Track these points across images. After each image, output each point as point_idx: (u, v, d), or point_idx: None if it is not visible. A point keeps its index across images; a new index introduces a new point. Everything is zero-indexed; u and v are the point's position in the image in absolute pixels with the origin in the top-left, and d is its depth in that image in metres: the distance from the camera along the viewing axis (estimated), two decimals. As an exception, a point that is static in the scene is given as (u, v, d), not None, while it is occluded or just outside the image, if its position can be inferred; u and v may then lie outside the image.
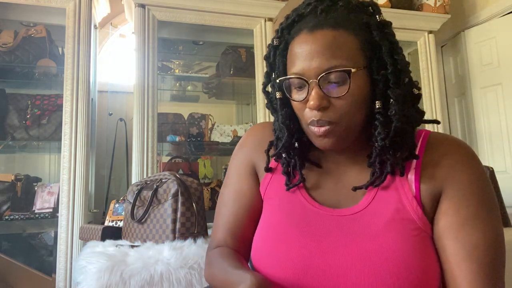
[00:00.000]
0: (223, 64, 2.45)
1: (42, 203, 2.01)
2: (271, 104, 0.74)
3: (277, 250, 0.66)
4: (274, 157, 0.74)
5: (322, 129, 0.62)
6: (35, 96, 2.14)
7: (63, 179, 1.90)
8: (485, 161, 2.64)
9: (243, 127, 2.47)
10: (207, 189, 2.19)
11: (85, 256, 1.05)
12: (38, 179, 2.15)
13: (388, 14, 2.54)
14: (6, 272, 1.73)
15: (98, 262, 0.99)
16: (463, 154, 0.65)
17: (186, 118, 2.43)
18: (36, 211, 1.99)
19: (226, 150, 2.43)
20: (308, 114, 0.63)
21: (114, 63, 2.82)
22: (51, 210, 1.99)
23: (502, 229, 0.63)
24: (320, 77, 0.60)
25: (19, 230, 2.08)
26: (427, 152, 0.66)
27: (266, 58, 0.71)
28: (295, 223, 0.67)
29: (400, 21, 2.57)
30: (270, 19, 2.35)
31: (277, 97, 0.69)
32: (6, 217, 1.94)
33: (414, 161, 0.65)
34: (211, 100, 2.66)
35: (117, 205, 1.80)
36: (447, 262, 0.60)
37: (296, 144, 0.71)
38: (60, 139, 1.95)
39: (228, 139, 2.38)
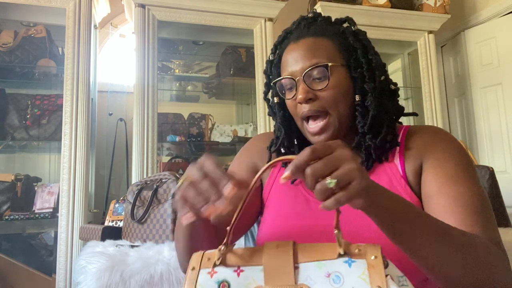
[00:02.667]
0: (223, 64, 2.45)
1: (42, 203, 2.01)
2: (271, 110, 0.84)
3: (283, 239, 0.70)
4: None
5: (318, 126, 0.72)
6: (35, 96, 2.14)
7: (63, 179, 1.90)
8: (485, 161, 2.64)
9: (243, 127, 2.47)
10: (207, 189, 2.19)
11: (85, 256, 1.05)
12: (38, 179, 2.15)
13: (388, 14, 2.54)
14: (6, 272, 1.73)
15: (98, 262, 0.99)
16: (436, 132, 0.76)
17: (186, 118, 2.43)
18: (36, 211, 1.99)
19: (226, 150, 2.43)
20: (299, 109, 0.74)
21: (114, 63, 2.82)
22: (51, 210, 1.99)
23: (482, 188, 0.68)
24: (304, 74, 0.71)
25: (19, 230, 2.08)
26: (407, 139, 0.75)
27: (265, 72, 0.84)
28: (300, 213, 0.74)
29: (400, 21, 2.57)
30: (270, 19, 2.35)
31: (275, 101, 0.81)
32: (6, 217, 1.94)
33: (398, 147, 0.74)
34: (211, 100, 2.66)
35: (117, 205, 1.80)
36: (440, 217, 0.61)
37: (296, 141, 0.80)
38: (60, 139, 1.95)
39: (228, 139, 2.38)
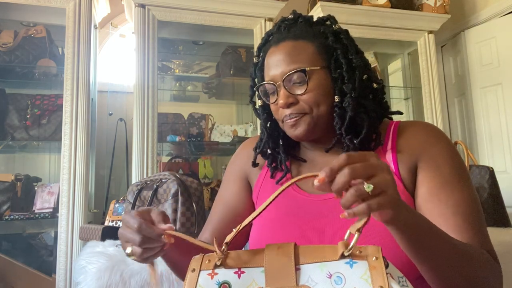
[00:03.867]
0: (223, 64, 2.45)
1: (42, 203, 2.01)
2: (256, 112, 0.87)
3: (276, 238, 0.73)
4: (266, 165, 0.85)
5: (293, 119, 0.74)
6: (35, 96, 2.13)
7: (63, 179, 1.90)
8: (485, 161, 2.64)
9: (243, 127, 2.47)
10: (207, 189, 2.19)
11: (85, 256, 1.05)
12: (38, 179, 2.15)
13: (388, 14, 2.53)
14: (6, 272, 1.73)
15: (98, 262, 0.99)
16: (431, 131, 0.76)
17: (186, 118, 2.42)
18: (36, 211, 1.99)
19: (226, 150, 2.43)
20: (281, 112, 0.76)
21: (114, 63, 2.82)
22: (51, 210, 1.99)
23: (475, 191, 0.71)
24: (284, 79, 0.73)
25: (19, 230, 2.08)
26: (399, 135, 0.75)
27: (250, 74, 0.86)
28: (291, 212, 0.76)
29: (400, 21, 2.57)
30: (270, 19, 2.35)
31: (259, 104, 0.84)
32: (6, 217, 1.94)
33: (390, 144, 0.75)
34: (211, 100, 2.66)
35: (117, 205, 1.80)
36: (434, 223, 0.62)
37: (281, 142, 0.82)
38: (60, 139, 1.95)
39: (228, 139, 2.38)
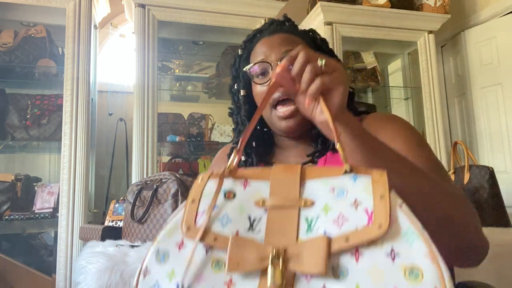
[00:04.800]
0: (223, 64, 2.45)
1: (42, 203, 2.01)
2: (235, 104, 0.85)
3: None
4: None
5: (287, 109, 0.73)
6: (35, 96, 2.13)
7: (63, 179, 1.90)
8: (485, 161, 2.64)
9: (243, 127, 2.47)
10: (207, 189, 2.19)
11: (85, 256, 1.05)
12: (38, 179, 2.15)
13: (388, 14, 2.54)
14: (6, 272, 1.73)
15: (98, 262, 0.99)
16: (385, 115, 0.80)
17: (186, 118, 2.42)
18: (36, 211, 1.99)
19: (226, 150, 2.43)
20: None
21: (114, 63, 2.82)
22: (51, 210, 1.99)
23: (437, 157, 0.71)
24: (281, 59, 0.72)
25: (19, 230, 2.08)
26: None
27: (232, 65, 0.86)
28: None
29: (400, 21, 2.57)
30: (270, 19, 2.35)
31: (242, 94, 0.82)
32: (6, 217, 1.94)
33: None
34: (211, 100, 2.66)
35: (117, 205, 1.80)
36: None
37: (254, 144, 0.81)
38: (60, 139, 1.95)
39: (228, 139, 2.38)
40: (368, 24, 2.48)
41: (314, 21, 2.58)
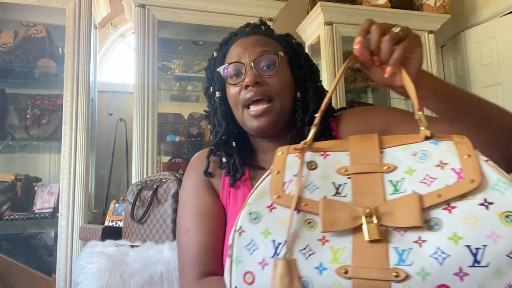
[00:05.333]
0: (223, 64, 2.45)
1: (42, 203, 2.01)
2: (211, 106, 0.85)
3: None
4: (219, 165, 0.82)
5: (260, 108, 0.73)
6: (35, 96, 2.13)
7: (63, 179, 1.90)
8: (485, 161, 2.64)
9: (243, 127, 2.47)
10: (207, 189, 2.19)
11: (85, 256, 1.05)
12: (38, 179, 2.15)
13: (388, 14, 2.54)
14: (6, 272, 1.73)
15: (98, 262, 0.99)
16: (364, 110, 0.84)
17: (186, 118, 2.42)
18: (36, 211, 1.99)
19: (226, 150, 2.42)
20: (243, 94, 0.74)
21: (114, 63, 2.82)
22: (51, 210, 1.98)
23: None
24: (255, 59, 0.74)
25: (19, 230, 2.08)
26: (338, 124, 0.81)
27: (207, 68, 0.86)
28: None
29: (400, 21, 2.52)
30: (270, 19, 2.35)
31: (217, 96, 0.82)
32: (6, 217, 1.94)
33: (336, 130, 0.81)
34: (211, 100, 2.66)
35: (117, 205, 1.80)
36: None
37: (234, 144, 0.80)
38: (60, 139, 1.95)
39: (228, 139, 2.38)
40: (368, 24, 2.48)
41: (314, 21, 2.58)
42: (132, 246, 1.11)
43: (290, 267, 0.45)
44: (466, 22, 2.86)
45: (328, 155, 0.55)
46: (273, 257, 0.48)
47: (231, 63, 0.77)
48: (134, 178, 2.00)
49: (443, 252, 0.42)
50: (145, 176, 1.97)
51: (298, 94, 0.78)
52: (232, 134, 0.81)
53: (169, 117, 2.37)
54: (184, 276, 0.75)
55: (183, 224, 0.79)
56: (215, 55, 0.85)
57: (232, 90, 0.77)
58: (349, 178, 0.52)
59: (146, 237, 1.19)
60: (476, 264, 0.40)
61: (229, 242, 0.52)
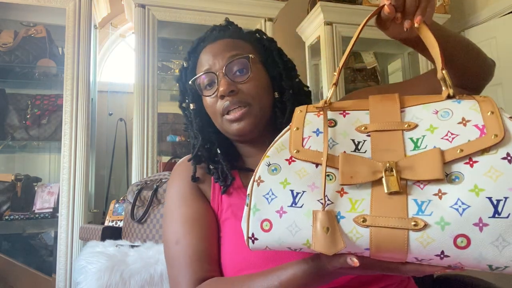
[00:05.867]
0: (223, 64, 2.45)
1: (42, 203, 2.01)
2: (187, 119, 0.82)
3: (253, 256, 0.67)
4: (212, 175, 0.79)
5: (238, 112, 0.71)
6: (35, 96, 2.13)
7: (63, 179, 1.90)
8: (485, 161, 2.64)
9: (243, 127, 2.46)
10: (207, 189, 2.19)
11: (85, 256, 1.05)
12: (38, 179, 2.15)
13: (388, 14, 2.53)
14: (6, 272, 1.73)
15: (98, 262, 0.99)
16: (355, 91, 0.82)
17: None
18: (36, 211, 1.99)
19: (226, 150, 2.42)
20: (220, 104, 0.72)
21: (114, 63, 2.82)
22: (51, 210, 1.98)
23: None
24: (225, 66, 0.71)
25: (19, 230, 2.07)
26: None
27: (178, 79, 0.82)
28: None
29: (400, 21, 2.56)
30: (270, 19, 2.35)
31: (192, 108, 0.79)
32: (6, 217, 1.94)
33: None
34: (211, 100, 2.66)
35: (117, 205, 1.80)
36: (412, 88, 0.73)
37: (218, 150, 0.78)
38: (60, 139, 1.95)
39: (228, 139, 2.38)
40: (368, 24, 2.47)
41: (314, 21, 2.58)
42: (132, 246, 1.11)
43: (331, 217, 0.46)
44: (466, 22, 2.86)
45: (348, 113, 0.55)
46: (291, 206, 0.49)
47: (202, 74, 0.74)
48: (134, 178, 2.00)
49: (463, 203, 0.42)
50: (145, 176, 1.97)
51: (276, 94, 0.76)
52: (214, 142, 0.79)
53: (169, 117, 2.37)
54: (175, 285, 0.71)
55: (171, 235, 0.74)
56: (185, 65, 0.82)
57: (208, 101, 0.75)
58: (368, 135, 0.52)
59: (146, 237, 1.19)
60: (497, 215, 0.40)
61: (248, 192, 0.53)
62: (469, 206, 0.41)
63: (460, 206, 0.42)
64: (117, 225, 1.70)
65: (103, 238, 1.26)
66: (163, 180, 1.23)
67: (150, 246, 1.09)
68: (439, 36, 0.55)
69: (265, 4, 2.33)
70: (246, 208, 0.52)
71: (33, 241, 2.15)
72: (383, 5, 0.57)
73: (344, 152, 0.51)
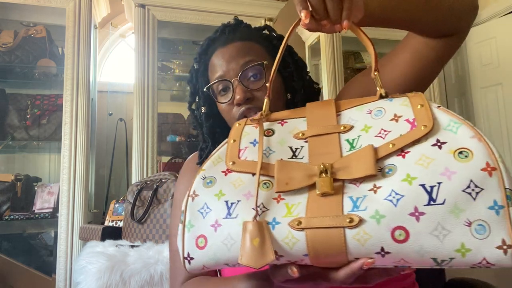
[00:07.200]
0: (223, 64, 2.45)
1: (42, 203, 2.01)
2: (196, 121, 0.81)
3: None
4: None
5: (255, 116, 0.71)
6: (35, 96, 2.13)
7: (63, 179, 1.90)
8: (485, 161, 2.64)
9: (243, 127, 2.46)
10: (207, 189, 2.18)
11: (85, 256, 1.05)
12: (38, 179, 2.15)
13: (388, 14, 2.53)
14: (6, 272, 1.73)
15: (98, 262, 0.99)
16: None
17: (186, 118, 2.42)
18: (36, 211, 1.99)
19: (226, 150, 2.42)
20: (236, 110, 0.72)
21: (114, 63, 2.82)
22: (51, 210, 1.98)
23: None
24: (241, 74, 0.71)
25: (19, 230, 2.08)
26: None
27: (189, 81, 0.82)
28: None
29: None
30: (270, 19, 2.35)
31: (203, 111, 0.78)
32: (6, 217, 1.94)
33: None
34: (211, 100, 2.65)
35: (117, 205, 1.80)
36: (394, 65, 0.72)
37: (216, 135, 0.78)
38: (60, 139, 1.95)
39: (228, 139, 2.37)
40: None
41: (314, 21, 2.58)
42: (132, 246, 1.11)
43: (261, 227, 0.43)
44: (466, 22, 2.86)
45: (285, 122, 0.55)
46: (225, 217, 0.47)
47: (216, 81, 0.73)
48: (134, 178, 2.00)
49: (397, 194, 0.41)
50: (145, 176, 1.97)
51: (288, 95, 0.76)
52: (214, 123, 0.79)
53: (169, 117, 2.37)
54: (173, 281, 0.73)
55: (176, 229, 0.75)
56: (196, 67, 0.81)
57: (223, 106, 0.75)
58: (306, 141, 0.51)
59: (146, 237, 1.19)
60: (432, 202, 0.39)
61: (182, 208, 0.50)
62: (403, 196, 0.40)
63: (394, 197, 0.41)
64: (117, 225, 1.70)
65: (103, 238, 1.27)
66: (163, 180, 1.23)
67: (150, 246, 1.09)
68: (389, 10, 0.55)
69: (265, 4, 2.33)
70: (180, 226, 0.50)
71: (33, 241, 2.15)
72: (299, 20, 0.54)
73: (281, 159, 0.50)
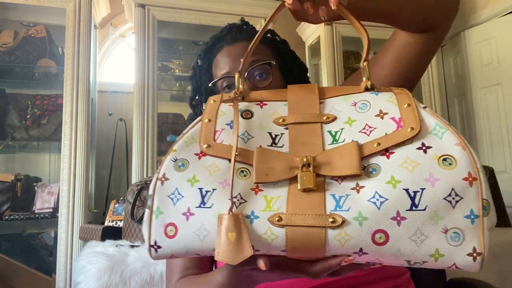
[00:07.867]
0: (223, 64, 2.45)
1: (42, 203, 2.01)
2: (197, 117, 0.79)
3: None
4: None
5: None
6: (35, 96, 2.13)
7: (63, 179, 1.90)
8: (485, 161, 2.64)
9: (243, 127, 2.46)
10: (207, 189, 2.19)
11: (85, 256, 1.05)
12: (38, 179, 2.15)
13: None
14: (6, 272, 1.73)
15: (98, 262, 0.99)
16: None
17: (186, 118, 2.42)
18: (36, 211, 1.99)
19: (226, 150, 2.42)
20: None
21: (114, 63, 2.82)
22: (51, 210, 1.98)
23: None
24: (248, 71, 0.70)
25: (19, 230, 2.08)
26: None
27: (192, 77, 0.82)
28: None
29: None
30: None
31: (204, 108, 0.76)
32: (6, 217, 1.94)
33: None
34: (211, 100, 2.65)
35: (117, 205, 1.80)
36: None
37: None
38: (60, 139, 1.95)
39: (228, 139, 2.38)
40: (368, 24, 2.47)
41: (314, 21, 2.58)
42: (132, 246, 1.11)
43: (237, 221, 0.41)
44: (466, 22, 2.86)
45: (265, 104, 0.52)
46: (199, 206, 0.44)
47: (222, 77, 0.73)
48: (134, 178, 2.00)
49: (381, 196, 0.40)
50: (145, 176, 1.97)
51: None
52: None
53: (169, 117, 2.37)
54: (168, 281, 0.72)
55: None
56: (199, 63, 0.81)
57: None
58: (286, 128, 0.49)
59: (146, 237, 1.19)
60: (414, 208, 0.40)
61: (149, 192, 0.46)
62: (386, 199, 0.40)
63: (377, 200, 0.40)
64: (117, 225, 1.70)
65: (103, 238, 1.27)
66: (163, 180, 1.23)
67: (150, 246, 1.09)
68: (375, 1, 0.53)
69: (265, 4, 2.33)
70: (147, 211, 0.46)
71: (33, 241, 2.15)
72: (283, 2, 0.51)
73: (260, 146, 0.47)
